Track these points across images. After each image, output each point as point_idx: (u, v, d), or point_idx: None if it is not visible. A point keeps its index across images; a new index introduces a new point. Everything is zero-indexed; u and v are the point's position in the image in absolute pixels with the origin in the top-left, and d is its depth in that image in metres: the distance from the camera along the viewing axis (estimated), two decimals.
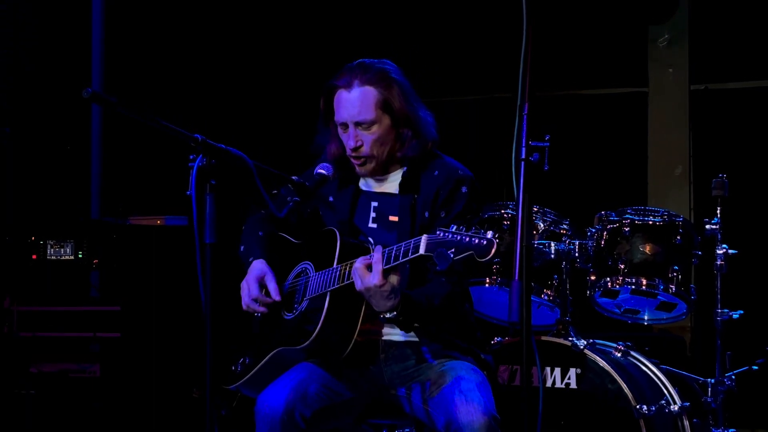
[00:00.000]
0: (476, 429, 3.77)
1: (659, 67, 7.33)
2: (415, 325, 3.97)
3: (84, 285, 6.40)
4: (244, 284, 4.21)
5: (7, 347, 6.12)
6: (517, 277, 3.11)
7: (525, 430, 3.32)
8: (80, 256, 6.28)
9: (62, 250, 6.29)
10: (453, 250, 3.52)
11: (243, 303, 4.20)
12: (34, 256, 6.31)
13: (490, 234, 3.51)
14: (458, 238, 3.54)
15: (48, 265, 6.31)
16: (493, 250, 3.49)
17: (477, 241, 3.50)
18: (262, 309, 4.17)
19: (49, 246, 6.31)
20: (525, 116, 3.27)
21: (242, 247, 4.38)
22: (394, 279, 3.75)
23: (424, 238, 3.63)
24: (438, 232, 3.59)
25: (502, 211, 5.28)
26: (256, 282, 4.17)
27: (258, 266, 4.22)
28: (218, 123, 7.22)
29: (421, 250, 3.62)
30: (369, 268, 3.77)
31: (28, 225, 6.45)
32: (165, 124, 3.45)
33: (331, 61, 6.73)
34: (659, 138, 7.32)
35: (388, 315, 3.84)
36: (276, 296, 4.14)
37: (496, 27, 7.37)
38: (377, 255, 3.76)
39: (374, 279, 3.74)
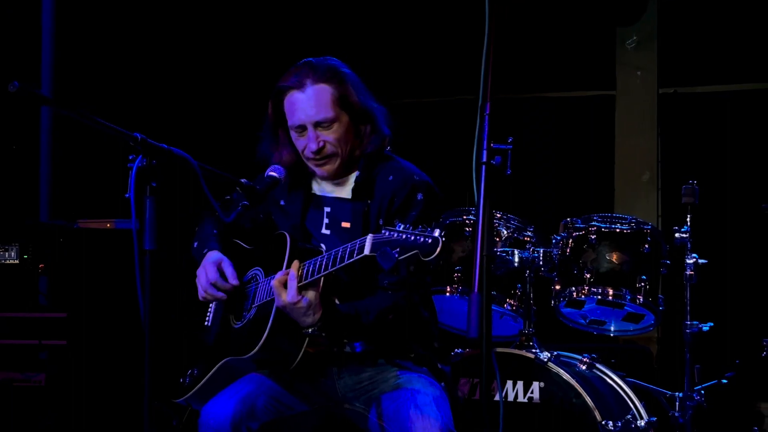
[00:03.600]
0: None
1: (627, 69, 7.28)
2: (344, 340, 3.92)
3: (29, 290, 6.22)
4: (200, 271, 4.07)
5: None
6: (476, 290, 2.90)
7: None
8: (26, 259, 6.05)
9: (6, 253, 6.09)
10: (398, 249, 3.41)
11: (200, 290, 4.07)
12: None
13: (436, 232, 3.38)
14: (404, 237, 3.42)
15: None
16: (438, 249, 3.36)
17: (422, 239, 3.38)
18: (220, 294, 4.03)
19: None
20: (487, 117, 3.09)
21: (195, 243, 4.25)
22: (311, 295, 3.68)
23: (369, 237, 3.51)
24: (384, 231, 3.48)
25: (464, 217, 5.15)
26: (213, 266, 4.03)
27: (214, 255, 4.09)
28: (170, 126, 7.05)
29: (366, 250, 3.50)
30: (285, 284, 3.68)
31: None
32: (101, 122, 3.27)
33: (285, 62, 6.65)
34: (627, 143, 7.27)
35: (309, 331, 3.75)
36: (233, 281, 4.01)
37: (458, 27, 7.29)
38: (292, 272, 3.67)
39: (288, 296, 3.67)
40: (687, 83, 7.15)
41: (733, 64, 7.00)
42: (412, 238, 3.39)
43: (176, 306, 4.22)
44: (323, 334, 3.74)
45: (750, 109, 6.95)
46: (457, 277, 5.04)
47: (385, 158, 4.05)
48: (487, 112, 3.11)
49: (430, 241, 3.36)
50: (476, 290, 2.91)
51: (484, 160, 3.05)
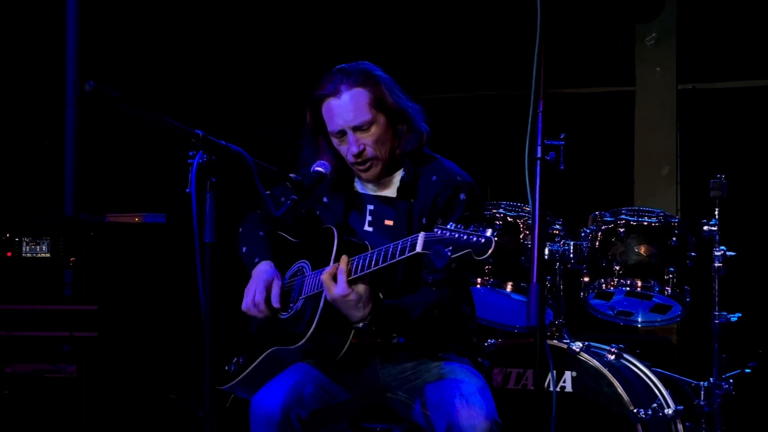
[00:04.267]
0: None
1: (646, 66, 7.33)
2: (393, 334, 3.96)
3: (60, 284, 6.29)
4: (251, 286, 4.10)
5: None
6: (535, 281, 3.02)
7: None
8: (57, 254, 6.14)
9: (38, 247, 6.16)
10: (450, 247, 3.46)
11: (244, 304, 4.11)
12: (8, 254, 6.17)
13: (489, 232, 3.43)
14: (456, 236, 3.47)
15: (23, 263, 6.16)
16: (491, 249, 3.41)
17: (475, 239, 3.43)
18: (260, 315, 4.08)
19: (24, 243, 6.17)
20: (540, 114, 3.20)
21: (244, 248, 4.30)
22: (361, 289, 3.73)
23: (421, 235, 3.56)
24: (436, 230, 3.53)
25: (493, 211, 5.23)
26: (263, 286, 4.08)
27: (266, 269, 4.14)
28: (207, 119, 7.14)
29: (419, 248, 3.55)
30: (334, 278, 3.74)
31: (2, 222, 6.32)
32: (166, 120, 3.37)
33: (316, 62, 6.68)
34: (646, 138, 7.32)
35: (359, 325, 3.80)
36: (276, 303, 4.06)
37: (474, 22, 7.38)
38: (342, 266, 3.73)
39: (338, 290, 3.72)
40: (705, 79, 7.21)
41: (751, 61, 7.06)
42: (465, 237, 3.45)
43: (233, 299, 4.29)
44: (373, 328, 3.81)
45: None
46: (487, 269, 5.13)
47: (428, 159, 4.13)
48: (540, 110, 3.22)
49: (483, 240, 3.41)
50: (535, 281, 3.02)
51: (539, 155, 3.15)
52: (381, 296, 3.88)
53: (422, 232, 3.57)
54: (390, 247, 3.68)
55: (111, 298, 6.10)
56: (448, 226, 3.51)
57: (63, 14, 7.05)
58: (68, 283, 6.27)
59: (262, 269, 4.14)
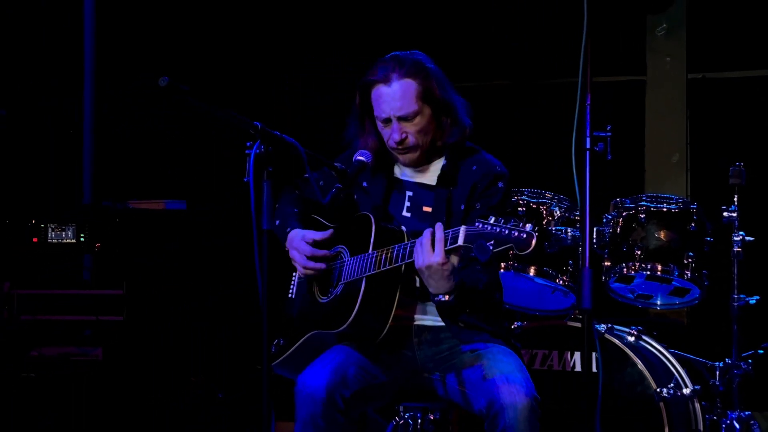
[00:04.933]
0: (519, 410, 3.83)
1: (657, 56, 7.39)
2: (460, 316, 4.05)
3: (86, 268, 6.43)
4: (293, 253, 4.22)
5: (7, 331, 6.09)
6: (588, 265, 3.18)
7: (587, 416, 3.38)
8: (82, 239, 6.24)
9: (63, 233, 6.25)
10: (492, 242, 3.56)
11: (299, 268, 4.22)
12: (35, 240, 6.26)
13: (529, 227, 3.54)
14: (497, 230, 3.57)
15: (49, 248, 6.27)
16: (534, 243, 3.52)
17: (516, 234, 3.54)
18: (320, 265, 4.19)
19: (50, 229, 6.26)
20: (588, 107, 3.34)
21: (278, 221, 4.40)
22: (455, 260, 3.79)
23: (462, 228, 3.68)
24: (477, 224, 3.63)
25: (516, 198, 5.34)
26: (302, 242, 4.19)
27: (297, 233, 4.25)
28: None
29: (460, 241, 3.67)
30: (432, 245, 3.78)
31: (28, 208, 6.42)
32: (229, 113, 3.50)
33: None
34: (657, 126, 7.38)
35: (443, 298, 3.87)
36: (325, 235, 4.16)
37: (492, 13, 7.44)
38: (439, 233, 3.77)
39: (437, 257, 3.75)
40: (715, 69, 7.28)
41: (760, 51, 7.14)
42: (506, 231, 3.55)
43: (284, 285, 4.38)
44: (455, 303, 3.88)
45: None
46: (512, 253, 5.25)
47: (470, 150, 4.27)
48: (588, 102, 3.36)
49: (524, 236, 3.52)
50: (587, 266, 3.17)
51: (588, 146, 3.29)
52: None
53: (463, 226, 3.68)
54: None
55: (136, 282, 6.19)
56: (490, 220, 3.60)
57: (81, 4, 7.13)
58: (92, 268, 6.39)
59: (294, 234, 4.26)
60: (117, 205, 6.46)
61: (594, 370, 4.86)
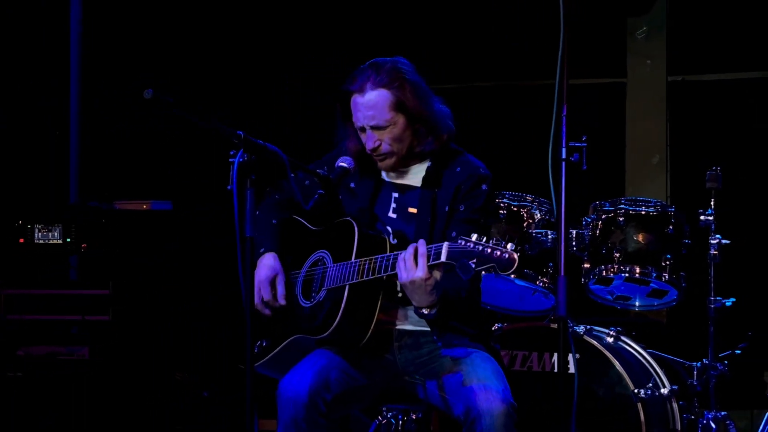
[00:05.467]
0: (495, 416, 3.88)
1: (637, 58, 7.46)
2: (448, 323, 4.10)
3: (72, 269, 6.50)
4: (257, 285, 4.27)
5: None
6: (563, 274, 3.25)
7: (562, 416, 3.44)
8: (68, 240, 6.29)
9: (50, 233, 6.29)
10: (475, 260, 3.62)
11: (255, 304, 4.28)
12: (21, 240, 6.30)
13: (510, 246, 3.61)
14: (479, 248, 3.64)
15: (35, 249, 6.31)
16: (516, 264, 3.59)
17: (498, 254, 3.61)
18: (267, 312, 4.28)
19: (36, 230, 6.30)
20: (564, 118, 3.40)
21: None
22: (437, 274, 3.83)
23: (445, 245, 3.74)
24: (460, 241, 3.69)
25: (498, 200, 5.39)
26: (267, 284, 4.26)
27: (269, 263, 4.30)
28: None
29: (443, 258, 3.74)
30: (416, 260, 3.83)
31: (15, 209, 6.46)
32: (214, 123, 3.56)
33: (316, 62, 6.70)
34: (637, 128, 7.45)
35: (425, 311, 3.94)
36: (281, 301, 4.24)
37: (473, 14, 7.50)
38: (422, 249, 3.82)
39: (420, 272, 3.81)
40: (694, 71, 7.35)
41: (738, 54, 7.22)
42: (488, 251, 3.61)
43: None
44: (439, 315, 3.94)
45: (755, 96, 7.18)
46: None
47: (455, 152, 4.32)
48: (564, 114, 3.42)
49: (506, 256, 3.60)
50: (562, 274, 3.24)
51: (564, 157, 3.36)
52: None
53: (446, 243, 3.74)
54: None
55: (122, 282, 6.24)
56: (472, 238, 3.66)
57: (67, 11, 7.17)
58: (79, 268, 6.44)
59: (265, 263, 4.30)
60: (103, 205, 6.49)
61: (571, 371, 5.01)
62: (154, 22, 7.41)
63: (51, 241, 6.31)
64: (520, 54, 7.35)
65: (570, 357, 4.99)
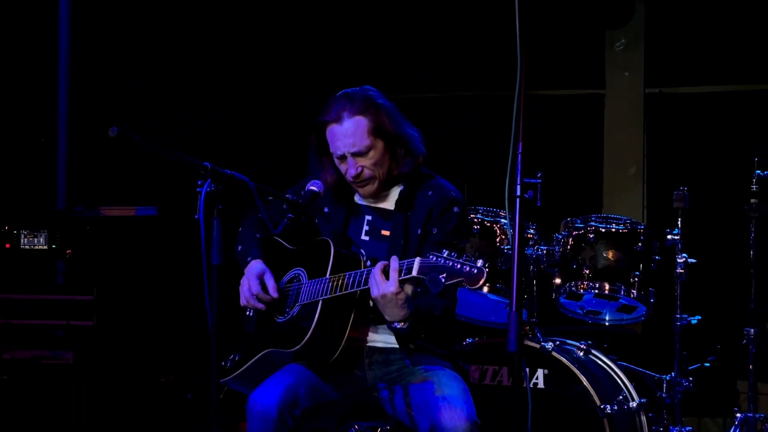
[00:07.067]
0: None
1: (616, 70, 7.55)
2: (416, 341, 4.15)
3: (57, 274, 6.55)
4: (244, 281, 4.39)
5: None
6: (514, 309, 3.32)
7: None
8: (53, 246, 6.35)
9: (36, 239, 6.36)
10: (444, 275, 3.73)
11: (242, 298, 4.39)
12: (7, 245, 6.37)
13: (480, 263, 3.71)
14: (450, 264, 3.74)
15: (21, 254, 6.38)
16: (483, 279, 3.69)
17: (468, 269, 3.71)
18: (260, 306, 4.35)
19: (22, 236, 6.37)
20: (519, 155, 3.47)
21: (239, 247, 4.57)
22: (408, 289, 3.93)
23: (417, 260, 3.83)
24: (431, 257, 3.79)
25: (472, 216, 5.46)
26: (256, 279, 4.35)
27: (257, 265, 4.41)
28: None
29: (414, 272, 3.83)
30: (386, 275, 3.93)
31: (1, 214, 6.51)
32: (180, 156, 3.64)
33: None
34: (615, 138, 7.53)
35: (398, 325, 4.02)
36: (274, 293, 4.32)
37: (455, 25, 7.56)
38: (394, 264, 3.91)
39: (392, 287, 3.90)
40: (671, 84, 7.44)
41: (715, 67, 7.30)
42: (458, 266, 3.72)
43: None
44: (410, 330, 4.01)
45: (730, 109, 7.27)
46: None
47: (426, 176, 4.41)
48: (520, 151, 3.49)
49: (475, 271, 3.70)
50: (513, 310, 3.32)
51: (518, 194, 3.43)
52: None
53: (418, 258, 3.83)
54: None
55: (106, 288, 6.31)
56: (443, 254, 3.77)
57: (56, 15, 7.18)
58: (64, 274, 6.49)
59: (253, 265, 4.42)
60: (88, 212, 6.54)
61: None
62: (146, 25, 7.45)
63: (36, 247, 6.37)
64: (501, 64, 7.39)
65: (539, 372, 5.18)
